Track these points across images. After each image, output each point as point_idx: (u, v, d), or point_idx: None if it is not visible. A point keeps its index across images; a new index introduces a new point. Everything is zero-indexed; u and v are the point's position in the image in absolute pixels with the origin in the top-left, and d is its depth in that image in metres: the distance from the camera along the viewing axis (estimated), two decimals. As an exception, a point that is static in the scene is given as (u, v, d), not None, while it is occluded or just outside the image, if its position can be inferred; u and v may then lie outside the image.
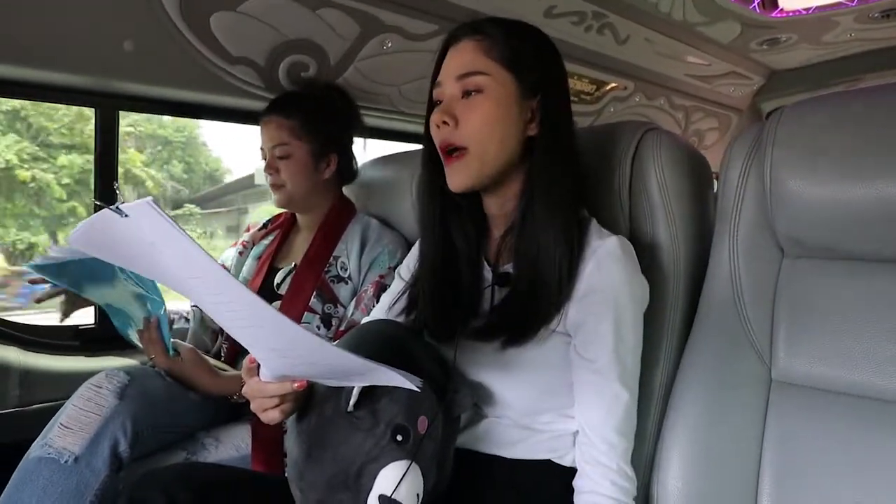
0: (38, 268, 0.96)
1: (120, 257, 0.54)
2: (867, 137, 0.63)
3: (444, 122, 0.73)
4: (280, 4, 1.16)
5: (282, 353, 0.57)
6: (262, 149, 1.24)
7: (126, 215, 0.44)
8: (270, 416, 0.65)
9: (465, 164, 0.73)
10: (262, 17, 1.17)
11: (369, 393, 0.63)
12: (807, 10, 1.77)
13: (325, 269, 1.19)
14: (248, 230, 1.40)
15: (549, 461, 0.76)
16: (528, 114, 0.74)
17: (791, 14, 1.79)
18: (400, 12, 1.32)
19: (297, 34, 1.24)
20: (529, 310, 0.73)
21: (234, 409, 1.15)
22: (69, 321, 1.09)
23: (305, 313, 1.15)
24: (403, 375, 0.56)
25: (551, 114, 0.74)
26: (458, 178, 0.74)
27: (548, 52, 0.77)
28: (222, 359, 1.22)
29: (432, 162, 0.78)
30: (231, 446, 1.06)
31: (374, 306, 1.11)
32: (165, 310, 1.02)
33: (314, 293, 1.16)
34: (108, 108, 1.22)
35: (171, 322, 1.18)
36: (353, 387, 0.62)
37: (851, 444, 0.65)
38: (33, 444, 0.89)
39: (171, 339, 1.05)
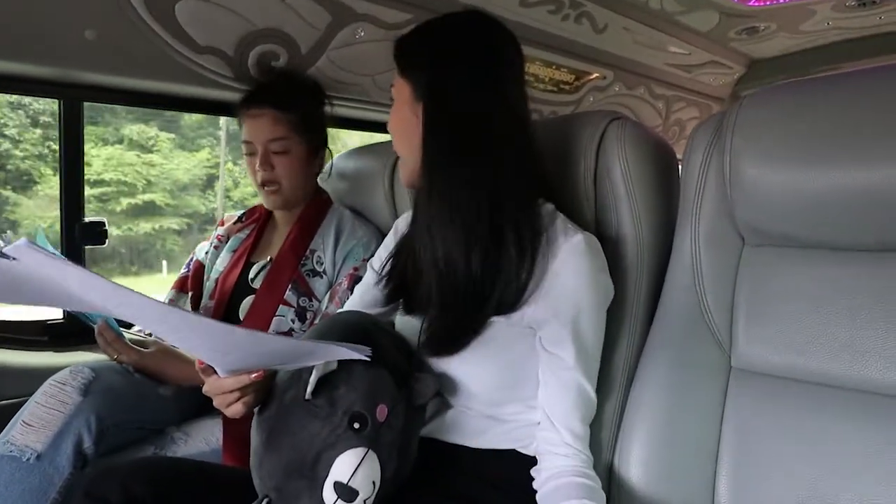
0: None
1: (27, 296, 0.51)
2: (822, 127, 0.63)
3: None
4: (247, -7, 1.15)
5: (222, 351, 0.57)
6: (247, 142, 1.19)
7: (14, 258, 0.43)
8: (234, 410, 0.65)
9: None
10: (230, 6, 1.14)
11: (328, 381, 0.63)
12: (784, -2, 1.77)
13: (301, 263, 1.18)
14: (222, 224, 1.38)
15: (514, 451, 0.76)
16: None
17: (769, 3, 1.78)
18: (372, 1, 1.30)
19: (267, 23, 1.21)
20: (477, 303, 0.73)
21: (205, 404, 1.14)
22: (37, 316, 1.08)
23: (280, 306, 1.14)
24: (350, 348, 0.56)
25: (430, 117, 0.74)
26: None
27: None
28: None
29: None
30: (201, 440, 1.05)
31: (347, 299, 1.10)
32: None
33: (290, 286, 1.15)
34: (71, 99, 1.20)
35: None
36: (311, 375, 0.62)
37: (806, 430, 0.65)
38: None
39: (142, 333, 1.04)
